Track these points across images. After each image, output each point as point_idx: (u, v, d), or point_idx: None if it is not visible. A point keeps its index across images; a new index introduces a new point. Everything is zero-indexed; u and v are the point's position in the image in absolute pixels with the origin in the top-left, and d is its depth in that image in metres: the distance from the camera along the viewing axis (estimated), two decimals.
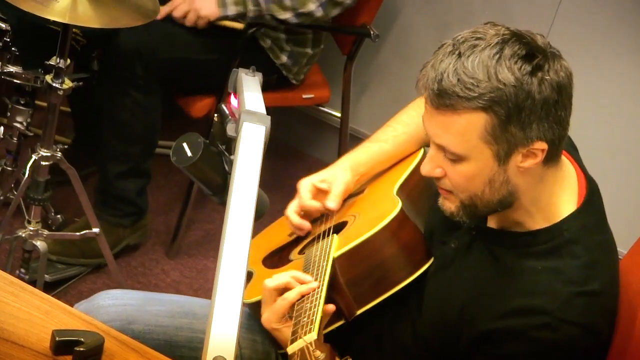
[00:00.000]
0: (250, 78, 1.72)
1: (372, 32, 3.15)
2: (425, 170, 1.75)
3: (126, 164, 3.07)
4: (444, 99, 1.63)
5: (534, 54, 1.62)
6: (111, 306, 2.00)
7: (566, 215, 1.74)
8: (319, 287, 1.73)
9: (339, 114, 3.48)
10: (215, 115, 1.66)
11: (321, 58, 3.32)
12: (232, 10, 2.95)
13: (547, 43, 1.66)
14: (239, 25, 2.98)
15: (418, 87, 1.69)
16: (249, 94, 1.59)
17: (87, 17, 2.47)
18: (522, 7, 3.38)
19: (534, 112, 1.62)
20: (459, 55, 1.63)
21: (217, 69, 3.04)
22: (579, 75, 1.71)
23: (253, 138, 1.48)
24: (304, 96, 3.29)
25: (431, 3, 3.53)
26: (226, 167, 1.64)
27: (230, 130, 1.55)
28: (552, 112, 1.64)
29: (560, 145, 1.70)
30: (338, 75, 3.38)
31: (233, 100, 1.67)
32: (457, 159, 1.68)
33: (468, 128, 1.64)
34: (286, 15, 2.97)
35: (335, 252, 1.83)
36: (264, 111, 1.54)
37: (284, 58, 3.15)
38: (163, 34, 2.96)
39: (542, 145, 1.65)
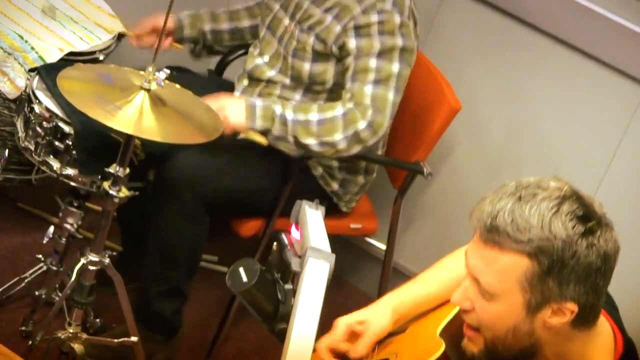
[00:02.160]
0: (313, 211, 1.75)
1: (425, 170, 3.18)
2: (455, 298, 1.77)
3: (166, 285, 3.09)
4: (493, 235, 1.66)
5: (590, 217, 1.65)
6: None
7: None
8: None
9: (383, 247, 3.49)
10: (275, 244, 1.69)
11: (371, 187, 3.35)
12: (259, 124, 2.98)
13: (603, 212, 1.70)
14: (263, 140, 3.01)
15: (471, 217, 1.73)
16: (314, 229, 1.62)
17: (151, 130, 2.53)
18: (572, 161, 3.42)
19: (575, 272, 1.65)
20: (519, 198, 1.67)
21: (267, 195, 3.08)
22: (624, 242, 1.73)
23: (317, 275, 1.51)
24: (351, 226, 3.31)
25: (484, 147, 3.58)
26: (279, 296, 1.66)
27: (295, 265, 1.57)
28: (592, 277, 1.67)
29: (590, 312, 1.71)
30: (386, 207, 3.41)
31: (294, 232, 1.69)
32: (489, 296, 1.70)
33: (509, 269, 1.67)
34: (310, 141, 2.99)
35: None
36: (328, 248, 1.57)
37: (335, 186, 3.19)
38: (217, 163, 3.01)
39: (573, 307, 1.67)
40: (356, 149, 2.99)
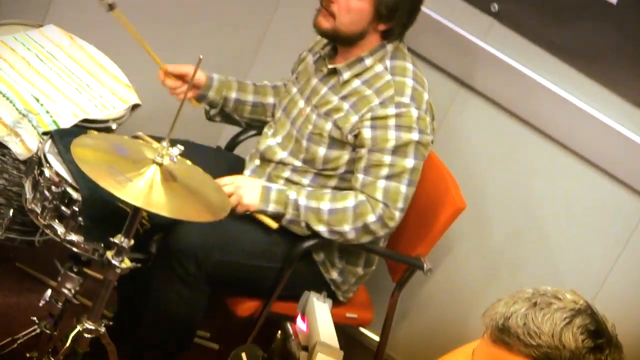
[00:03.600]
0: (321, 304, 1.76)
1: (425, 266, 3.19)
2: None
3: (161, 353, 3.08)
4: (504, 335, 1.69)
5: (601, 334, 1.67)
6: None
7: None
8: None
9: (377, 338, 3.48)
10: (279, 332, 1.69)
11: (369, 277, 3.35)
12: (272, 207, 3.02)
13: (615, 334, 1.71)
14: (273, 224, 3.04)
15: (483, 316, 1.74)
16: (323, 323, 1.63)
17: (159, 205, 2.55)
18: (572, 268, 3.44)
19: None
20: (534, 304, 1.70)
21: (268, 277, 3.09)
22: None
23: None
24: (347, 315, 3.31)
25: (486, 246, 3.59)
26: None
27: (302, 359, 1.57)
28: None
29: None
30: (383, 297, 3.41)
31: (300, 323, 1.70)
32: None
33: None
34: (320, 228, 3.02)
35: None
36: (337, 344, 1.57)
37: (335, 274, 3.19)
38: (222, 236, 3.02)
39: None
40: (366, 239, 3.03)
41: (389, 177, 2.98)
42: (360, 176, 3.01)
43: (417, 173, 3.03)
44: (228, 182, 3.04)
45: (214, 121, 3.47)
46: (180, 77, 3.27)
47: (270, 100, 3.43)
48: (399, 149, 2.99)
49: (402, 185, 2.99)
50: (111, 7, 3.10)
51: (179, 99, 2.64)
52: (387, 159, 2.98)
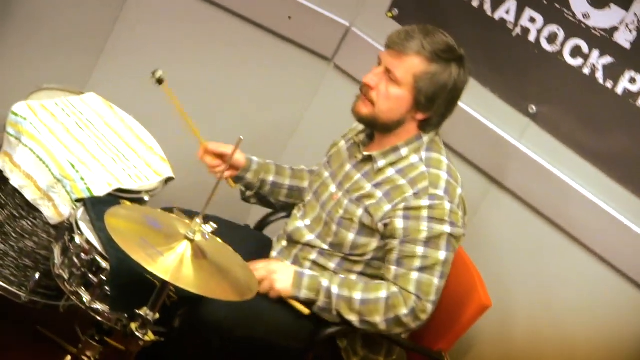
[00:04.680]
0: None
1: None
2: None
3: None
4: None
5: None
6: None
7: None
8: None
9: None
10: None
11: None
12: (304, 294, 3.02)
13: None
14: (305, 310, 3.04)
15: None
16: None
17: (188, 280, 2.55)
18: None
19: None
20: None
21: (291, 357, 3.08)
22: None
23: None
24: None
25: (508, 346, 3.56)
26: None
27: None
28: None
29: None
30: None
31: None
32: None
33: None
34: (352, 318, 3.01)
35: None
36: None
37: None
38: (248, 311, 3.01)
39: None
40: (397, 331, 3.04)
41: (421, 269, 2.98)
42: (392, 268, 3.01)
43: (449, 265, 3.03)
44: (260, 267, 3.05)
45: (249, 202, 3.49)
46: (220, 156, 3.30)
47: (306, 184, 3.45)
48: (431, 241, 2.99)
49: (434, 278, 2.99)
50: (160, 81, 3.15)
51: (217, 178, 2.66)
52: (419, 250, 2.98)
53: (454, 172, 3.11)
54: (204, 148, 3.30)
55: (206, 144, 3.30)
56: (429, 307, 2.99)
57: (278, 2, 3.91)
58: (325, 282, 3.01)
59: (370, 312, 2.99)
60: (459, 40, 3.09)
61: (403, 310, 2.97)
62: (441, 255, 3.00)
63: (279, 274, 3.03)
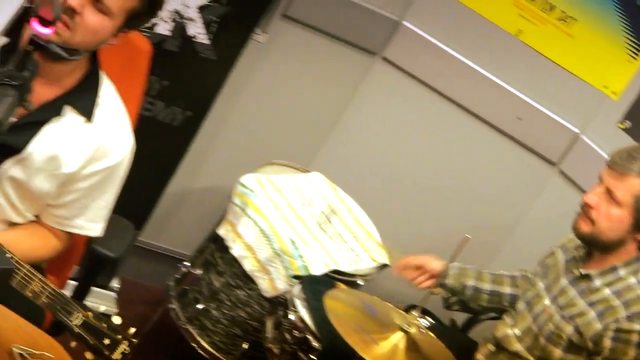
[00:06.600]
0: None
1: None
2: None
3: None
4: None
5: None
6: None
7: None
8: None
9: None
10: None
11: None
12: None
13: None
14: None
15: None
16: None
17: None
18: None
19: None
20: None
21: None
22: None
23: None
24: None
25: None
26: None
27: None
28: None
29: None
30: None
31: None
32: None
33: None
34: None
35: None
36: None
37: None
38: None
39: None
40: None
41: None
42: None
43: None
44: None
45: (452, 310, 3.47)
46: (419, 268, 3.34)
47: (507, 290, 3.41)
48: None
49: None
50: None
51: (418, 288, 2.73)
52: None
53: None
54: (400, 264, 3.36)
55: (399, 259, 3.38)
56: None
57: (509, 102, 3.90)
58: None
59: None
60: None
61: None
62: None
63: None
